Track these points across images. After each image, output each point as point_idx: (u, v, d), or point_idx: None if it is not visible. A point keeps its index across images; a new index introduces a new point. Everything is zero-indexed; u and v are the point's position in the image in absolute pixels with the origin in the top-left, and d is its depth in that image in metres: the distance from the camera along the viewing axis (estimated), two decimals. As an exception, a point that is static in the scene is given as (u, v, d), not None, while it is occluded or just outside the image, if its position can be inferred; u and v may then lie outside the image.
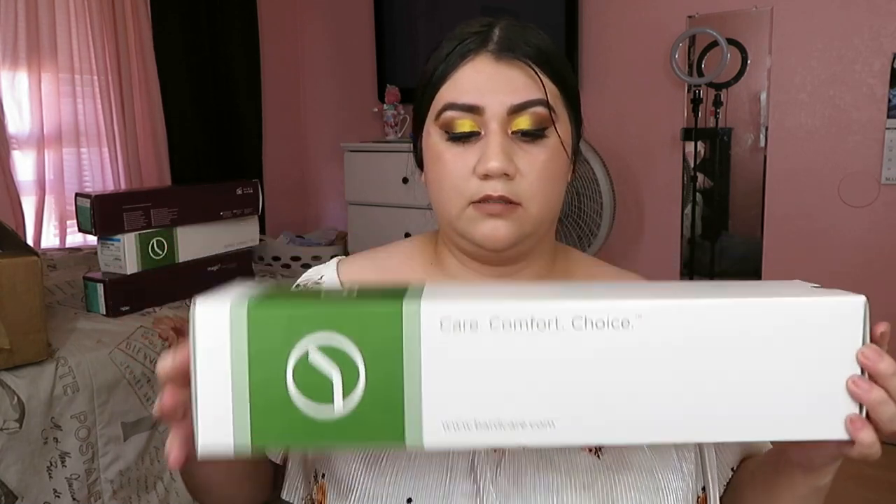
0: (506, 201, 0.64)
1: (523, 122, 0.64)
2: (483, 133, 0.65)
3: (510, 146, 0.64)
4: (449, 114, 0.65)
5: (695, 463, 0.67)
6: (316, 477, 0.66)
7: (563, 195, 0.70)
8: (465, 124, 0.65)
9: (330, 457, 0.65)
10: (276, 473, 0.75)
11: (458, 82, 0.66)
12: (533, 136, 0.65)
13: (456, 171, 0.66)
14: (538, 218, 0.67)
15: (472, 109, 0.65)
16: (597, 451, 0.63)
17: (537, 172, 0.65)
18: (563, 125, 0.67)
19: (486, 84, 0.65)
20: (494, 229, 0.65)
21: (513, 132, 0.65)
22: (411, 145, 0.76)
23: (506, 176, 0.64)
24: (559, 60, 0.68)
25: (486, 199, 0.64)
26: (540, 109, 0.65)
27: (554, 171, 0.66)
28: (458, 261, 0.73)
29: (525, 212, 0.65)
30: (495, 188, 0.64)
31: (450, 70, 0.66)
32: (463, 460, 0.62)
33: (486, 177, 0.64)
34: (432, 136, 0.68)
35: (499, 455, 0.62)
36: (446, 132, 0.66)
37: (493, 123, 0.64)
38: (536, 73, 0.65)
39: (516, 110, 0.64)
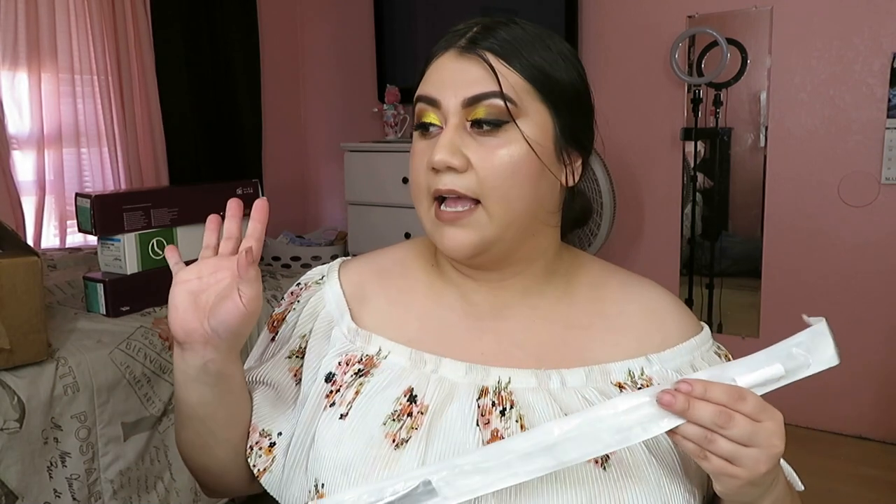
0: (457, 196, 0.63)
1: (479, 113, 0.63)
2: (444, 128, 0.65)
3: (464, 140, 0.64)
4: (419, 106, 0.67)
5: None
6: (317, 487, 0.65)
7: (536, 194, 0.65)
8: (429, 116, 0.66)
9: (330, 467, 0.64)
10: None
11: (427, 78, 0.67)
12: (489, 128, 0.63)
13: (419, 165, 0.67)
14: (502, 219, 0.64)
15: (432, 103, 0.66)
16: (602, 463, 0.62)
17: (493, 166, 0.63)
18: (532, 119, 0.64)
19: (445, 79, 0.65)
20: (452, 237, 0.65)
21: (471, 126, 0.64)
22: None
23: (453, 170, 0.63)
24: (537, 54, 0.65)
25: (438, 196, 0.65)
26: (495, 101, 0.63)
27: (516, 166, 0.63)
28: (453, 264, 0.72)
29: (484, 213, 0.63)
30: (444, 182, 0.63)
31: (426, 67, 0.68)
32: None
33: (435, 171, 0.64)
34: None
35: None
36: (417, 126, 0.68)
37: (452, 118, 0.64)
38: (492, 66, 0.63)
39: (470, 103, 0.64)
